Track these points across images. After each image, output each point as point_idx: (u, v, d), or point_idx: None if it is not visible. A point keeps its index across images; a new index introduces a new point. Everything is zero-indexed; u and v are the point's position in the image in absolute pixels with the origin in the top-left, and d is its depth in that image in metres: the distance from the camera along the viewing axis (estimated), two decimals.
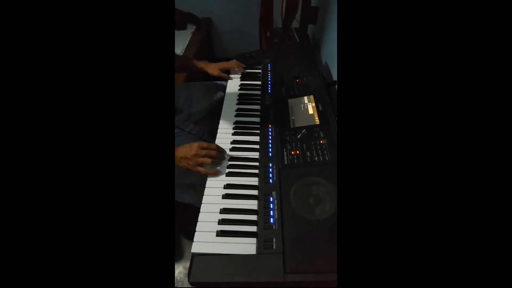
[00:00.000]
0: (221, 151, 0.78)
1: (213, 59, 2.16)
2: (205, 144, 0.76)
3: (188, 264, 0.60)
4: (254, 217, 0.63)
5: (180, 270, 1.15)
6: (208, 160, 0.74)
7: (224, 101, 0.99)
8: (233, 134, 0.85)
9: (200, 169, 0.74)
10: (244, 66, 1.13)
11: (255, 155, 0.78)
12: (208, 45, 2.05)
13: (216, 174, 0.74)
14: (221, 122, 0.91)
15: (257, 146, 0.81)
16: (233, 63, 1.12)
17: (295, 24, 1.45)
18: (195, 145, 0.75)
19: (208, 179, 0.71)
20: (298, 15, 1.38)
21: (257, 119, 0.91)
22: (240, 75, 1.11)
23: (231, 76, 1.11)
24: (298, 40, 1.34)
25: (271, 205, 0.64)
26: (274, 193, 0.67)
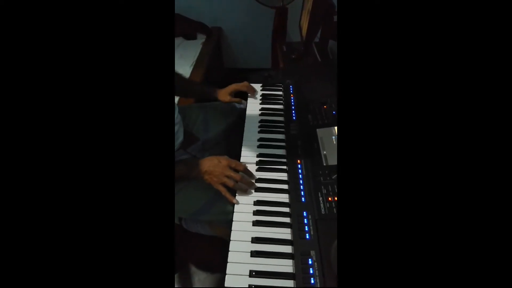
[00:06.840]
0: (249, 174, 0.73)
1: (222, 69, 2.06)
2: (233, 163, 0.72)
3: None
4: (290, 283, 0.53)
5: None
6: (231, 183, 0.70)
7: (245, 129, 0.88)
8: (258, 170, 0.75)
9: (221, 188, 0.71)
10: (255, 90, 1.04)
11: (284, 198, 0.68)
12: (218, 55, 1.96)
13: (233, 200, 0.69)
14: (243, 152, 0.81)
15: (286, 186, 0.71)
16: (243, 85, 1.03)
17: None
18: (224, 161, 0.72)
19: (232, 235, 0.61)
20: None
21: (282, 152, 0.80)
22: (260, 99, 1.02)
23: (243, 100, 1.03)
24: (319, 58, 1.24)
25: (311, 269, 0.54)
26: (313, 253, 0.56)
